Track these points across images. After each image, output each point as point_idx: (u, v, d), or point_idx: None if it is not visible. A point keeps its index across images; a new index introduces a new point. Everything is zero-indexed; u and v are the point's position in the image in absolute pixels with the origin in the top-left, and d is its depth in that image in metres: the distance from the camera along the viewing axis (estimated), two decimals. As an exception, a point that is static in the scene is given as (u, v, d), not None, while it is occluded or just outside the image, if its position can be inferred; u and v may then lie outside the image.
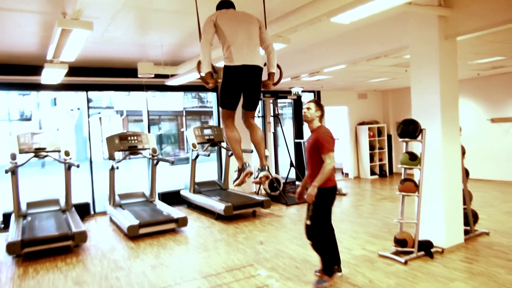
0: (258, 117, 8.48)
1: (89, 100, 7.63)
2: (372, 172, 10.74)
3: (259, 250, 4.88)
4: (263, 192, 8.37)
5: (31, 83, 6.74)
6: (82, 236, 5.11)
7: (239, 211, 6.54)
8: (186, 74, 6.28)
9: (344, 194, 8.36)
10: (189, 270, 4.35)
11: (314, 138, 3.66)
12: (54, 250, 5.13)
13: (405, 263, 4.15)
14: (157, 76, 6.53)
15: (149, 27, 4.94)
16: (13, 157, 5.84)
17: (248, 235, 5.60)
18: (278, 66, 3.33)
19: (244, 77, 2.92)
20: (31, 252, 4.96)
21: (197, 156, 7.50)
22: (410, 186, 4.35)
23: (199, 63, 3.07)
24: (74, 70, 6.33)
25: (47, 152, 6.15)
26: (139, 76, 6.02)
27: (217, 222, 6.46)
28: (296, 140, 8.70)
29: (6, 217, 6.32)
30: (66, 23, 3.30)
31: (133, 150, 6.83)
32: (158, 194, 7.99)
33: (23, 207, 6.22)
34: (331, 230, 3.80)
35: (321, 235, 3.67)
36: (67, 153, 6.26)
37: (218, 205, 6.49)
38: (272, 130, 8.83)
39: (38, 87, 6.88)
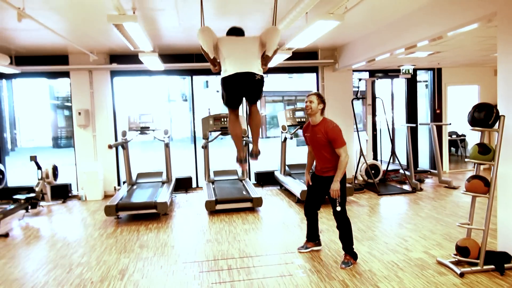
0: (358, 98, 7.97)
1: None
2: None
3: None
4: (360, 179, 7.92)
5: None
6: (163, 206, 5.80)
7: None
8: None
9: (454, 188, 7.28)
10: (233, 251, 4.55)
11: (324, 132, 3.75)
12: (143, 215, 6.02)
13: (461, 275, 3.49)
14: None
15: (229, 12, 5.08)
16: (124, 134, 6.94)
17: (313, 222, 5.47)
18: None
19: (237, 81, 3.22)
20: (126, 215, 5.98)
21: (285, 139, 7.54)
22: (478, 185, 3.58)
23: (204, 51, 3.33)
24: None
25: (151, 130, 7.08)
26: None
27: (296, 206, 6.46)
28: (408, 125, 7.86)
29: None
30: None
31: (224, 131, 7.30)
32: (254, 173, 8.38)
33: (134, 176, 7.35)
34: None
35: (347, 220, 3.89)
36: (166, 132, 7.10)
37: (297, 189, 6.47)
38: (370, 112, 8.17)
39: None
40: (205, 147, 7.17)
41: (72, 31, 5.73)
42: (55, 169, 7.15)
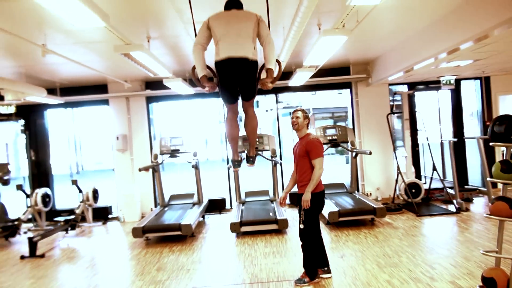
0: (393, 113, 7.56)
1: (277, 101, 8.44)
2: None
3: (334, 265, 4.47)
4: (401, 198, 7.42)
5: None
6: (187, 228, 5.82)
7: (347, 218, 6.06)
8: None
9: None
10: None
11: (304, 145, 3.83)
12: (170, 237, 6.09)
13: (485, 311, 3.07)
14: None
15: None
16: (155, 157, 7.15)
17: (337, 246, 5.18)
18: (277, 62, 3.26)
19: (230, 69, 3.03)
20: (153, 237, 6.10)
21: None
22: (503, 208, 3.16)
23: (193, 68, 3.25)
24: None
25: (180, 153, 7.24)
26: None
27: (325, 228, 6.18)
28: (451, 139, 7.27)
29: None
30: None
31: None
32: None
33: (167, 198, 7.52)
34: (319, 234, 4.00)
35: (311, 238, 3.90)
36: (195, 154, 7.22)
37: (325, 210, 6.19)
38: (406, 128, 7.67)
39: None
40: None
41: (103, 62, 6.10)
42: (95, 192, 7.55)
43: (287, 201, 4.20)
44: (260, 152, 7.26)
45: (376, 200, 7.84)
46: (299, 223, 3.88)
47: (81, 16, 2.89)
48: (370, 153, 6.54)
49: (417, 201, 7.07)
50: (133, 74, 7.18)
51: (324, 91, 9.74)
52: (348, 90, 8.20)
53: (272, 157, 7.26)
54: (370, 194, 8.07)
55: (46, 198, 7.25)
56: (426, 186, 7.44)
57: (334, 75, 7.80)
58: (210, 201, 7.88)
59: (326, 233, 5.83)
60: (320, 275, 4.04)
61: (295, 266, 4.48)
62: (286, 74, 7.20)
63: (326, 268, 4.08)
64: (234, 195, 7.69)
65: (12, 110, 7.85)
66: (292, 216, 6.89)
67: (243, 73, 3.05)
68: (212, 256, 5.18)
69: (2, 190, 7.37)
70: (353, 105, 8.15)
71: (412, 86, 8.01)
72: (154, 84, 7.87)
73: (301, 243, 3.94)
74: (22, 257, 5.55)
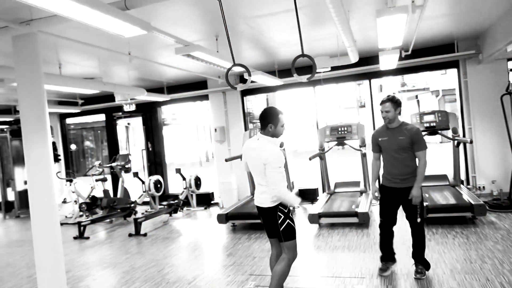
0: (509, 93, 6.37)
1: (370, 87, 8.00)
2: None
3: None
4: (520, 193, 6.28)
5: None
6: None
7: (435, 215, 5.44)
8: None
9: None
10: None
11: (408, 136, 3.63)
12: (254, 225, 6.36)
13: None
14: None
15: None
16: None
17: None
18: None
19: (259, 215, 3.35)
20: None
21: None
22: None
23: None
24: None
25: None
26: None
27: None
28: None
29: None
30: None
31: (340, 141, 7.03)
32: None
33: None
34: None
35: (423, 231, 3.83)
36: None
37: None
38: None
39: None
40: (321, 158, 7.03)
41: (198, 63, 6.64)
42: (197, 179, 8.31)
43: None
44: (347, 142, 6.98)
45: (491, 194, 6.80)
46: (416, 217, 3.71)
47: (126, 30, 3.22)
48: (471, 142, 5.73)
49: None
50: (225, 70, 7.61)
51: (427, 72, 8.71)
52: (455, 70, 7.22)
53: (361, 146, 6.91)
54: (483, 188, 7.02)
55: (158, 184, 8.27)
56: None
57: (435, 54, 6.95)
58: (300, 190, 7.91)
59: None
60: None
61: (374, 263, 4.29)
62: (374, 58, 6.72)
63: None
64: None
65: (133, 108, 9.15)
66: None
67: (264, 219, 3.25)
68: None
69: (124, 177, 8.68)
70: (461, 86, 7.16)
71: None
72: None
73: (414, 237, 3.80)
74: (130, 235, 6.53)
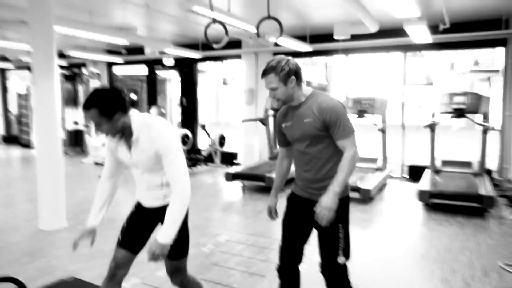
0: None
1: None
2: None
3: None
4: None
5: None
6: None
7: (441, 201, 5.18)
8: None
9: None
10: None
11: (318, 113, 2.13)
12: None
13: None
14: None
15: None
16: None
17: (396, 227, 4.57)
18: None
19: None
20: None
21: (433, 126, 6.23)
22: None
23: None
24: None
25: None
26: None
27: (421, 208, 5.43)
28: None
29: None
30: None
31: (361, 114, 6.79)
32: (408, 167, 7.36)
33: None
34: None
35: (348, 282, 2.26)
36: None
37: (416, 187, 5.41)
38: None
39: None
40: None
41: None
42: (221, 138, 8.55)
43: None
44: (367, 116, 6.72)
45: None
46: (336, 254, 2.13)
47: None
48: (493, 129, 5.27)
49: None
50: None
51: (471, 49, 7.93)
52: (502, 48, 6.53)
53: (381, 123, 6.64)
54: (514, 181, 6.47)
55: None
56: None
57: (479, 30, 6.31)
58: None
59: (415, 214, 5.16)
60: None
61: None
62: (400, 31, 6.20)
63: None
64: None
65: (172, 62, 9.48)
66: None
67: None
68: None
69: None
70: (507, 68, 6.48)
71: None
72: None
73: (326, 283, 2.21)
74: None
